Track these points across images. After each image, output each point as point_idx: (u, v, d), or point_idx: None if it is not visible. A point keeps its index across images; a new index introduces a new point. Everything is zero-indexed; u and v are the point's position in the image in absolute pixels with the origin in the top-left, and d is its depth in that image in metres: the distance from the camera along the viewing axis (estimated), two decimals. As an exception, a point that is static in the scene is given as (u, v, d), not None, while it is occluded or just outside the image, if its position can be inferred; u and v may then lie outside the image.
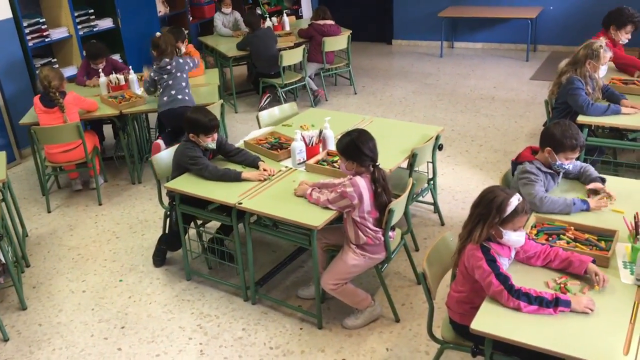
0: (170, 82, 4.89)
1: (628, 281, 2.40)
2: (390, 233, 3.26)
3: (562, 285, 2.38)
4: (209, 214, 3.61)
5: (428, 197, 4.43)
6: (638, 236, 2.49)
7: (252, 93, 7.33)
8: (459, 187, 4.79)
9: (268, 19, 7.44)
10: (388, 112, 6.62)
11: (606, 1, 7.27)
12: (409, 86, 7.50)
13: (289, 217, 3.17)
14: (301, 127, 4.21)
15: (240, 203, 3.29)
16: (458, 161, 5.29)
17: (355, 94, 7.33)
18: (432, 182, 4.26)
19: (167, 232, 4.03)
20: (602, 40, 4.15)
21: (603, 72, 4.05)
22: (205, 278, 3.85)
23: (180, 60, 5.00)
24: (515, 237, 2.40)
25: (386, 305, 3.39)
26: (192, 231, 3.98)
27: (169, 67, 4.88)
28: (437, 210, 4.38)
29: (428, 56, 8.79)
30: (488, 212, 2.39)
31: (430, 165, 4.23)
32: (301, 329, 3.35)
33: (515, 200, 2.37)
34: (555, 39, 8.26)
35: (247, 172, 3.56)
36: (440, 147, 4.19)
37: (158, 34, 5.64)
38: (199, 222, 3.96)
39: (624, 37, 4.80)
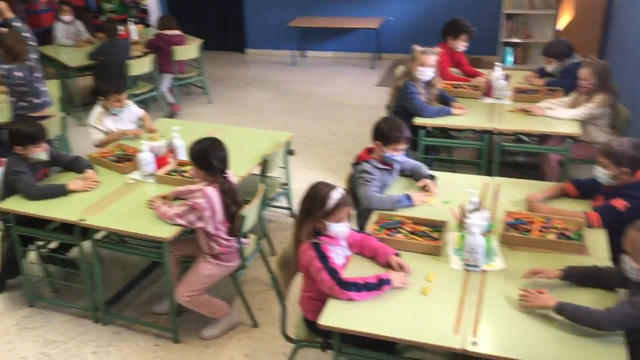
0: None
1: (457, 267, 2.63)
2: (243, 240, 3.28)
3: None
4: (49, 234, 3.38)
5: (283, 202, 4.51)
6: (464, 225, 2.74)
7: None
8: None
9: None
10: (244, 120, 6.65)
11: (441, 12, 7.95)
12: (264, 94, 7.59)
13: (138, 231, 3.07)
14: (149, 138, 4.09)
15: (84, 219, 3.12)
16: (312, 165, 5.45)
17: (211, 103, 7.27)
18: (286, 187, 4.35)
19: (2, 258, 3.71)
20: (436, 49, 4.51)
21: (429, 75, 4.39)
22: (50, 302, 3.60)
23: None
24: (339, 229, 2.53)
25: (244, 311, 3.40)
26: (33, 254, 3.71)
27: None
28: (292, 214, 4.47)
29: (281, 64, 8.96)
30: (312, 207, 2.51)
31: (284, 170, 4.32)
32: (157, 345, 3.25)
33: (336, 194, 2.51)
34: (396, 47, 8.80)
35: (72, 184, 3.39)
36: (291, 152, 4.29)
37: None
38: (40, 242, 3.70)
39: (461, 45, 5.22)
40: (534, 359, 2.10)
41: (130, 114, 4.30)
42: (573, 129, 4.07)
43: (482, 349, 2.16)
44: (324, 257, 2.46)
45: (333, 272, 2.42)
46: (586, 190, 3.14)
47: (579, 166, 4.53)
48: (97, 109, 4.18)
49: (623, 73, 5.20)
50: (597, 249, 2.68)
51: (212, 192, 3.01)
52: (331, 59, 9.22)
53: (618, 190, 2.93)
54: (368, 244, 2.68)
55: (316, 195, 2.53)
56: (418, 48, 4.41)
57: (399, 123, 3.26)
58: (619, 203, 2.85)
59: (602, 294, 2.40)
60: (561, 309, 2.25)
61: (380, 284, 2.41)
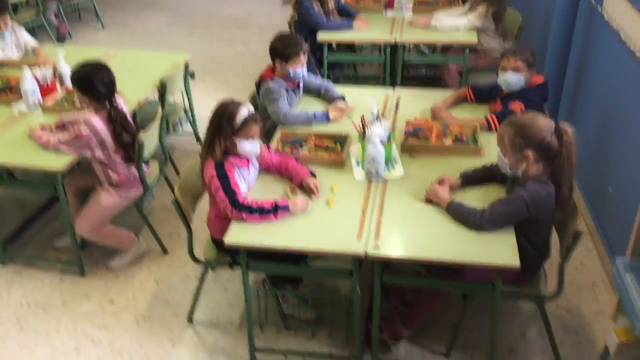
0: None
1: (360, 177, 2.67)
2: (145, 167, 3.17)
3: (293, 192, 2.55)
4: None
5: (188, 128, 4.38)
6: (365, 136, 2.76)
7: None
8: None
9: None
10: (142, 45, 6.29)
11: None
12: (162, 17, 7.18)
13: (28, 164, 2.89)
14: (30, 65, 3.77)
15: (-37, 155, 2.89)
16: (218, 89, 5.28)
17: (104, 28, 6.81)
18: (189, 112, 4.21)
19: None
20: None
21: None
22: (-60, 247, 3.38)
23: None
24: (249, 147, 2.47)
25: (153, 240, 3.33)
26: None
27: None
28: (198, 139, 4.35)
29: (180, -15, 8.46)
30: (220, 124, 2.43)
31: (186, 95, 4.16)
32: (62, 280, 3.15)
33: (244, 110, 2.44)
34: (301, -37, 8.50)
35: None
36: (192, 75, 4.12)
37: None
38: None
39: None
40: (433, 257, 2.20)
41: (16, 39, 3.92)
42: (469, 39, 4.14)
43: (383, 251, 2.23)
44: (224, 177, 2.41)
45: (230, 192, 2.38)
46: (484, 95, 3.24)
47: (476, 74, 4.66)
48: None
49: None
50: (491, 151, 2.79)
51: (97, 121, 2.84)
52: (233, -22, 8.80)
53: (515, 94, 3.04)
54: (285, 166, 2.62)
55: (224, 112, 2.44)
56: None
57: (293, 37, 3.19)
58: (517, 106, 2.96)
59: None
60: (448, 207, 2.36)
61: (275, 209, 2.37)
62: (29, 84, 3.29)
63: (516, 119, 2.35)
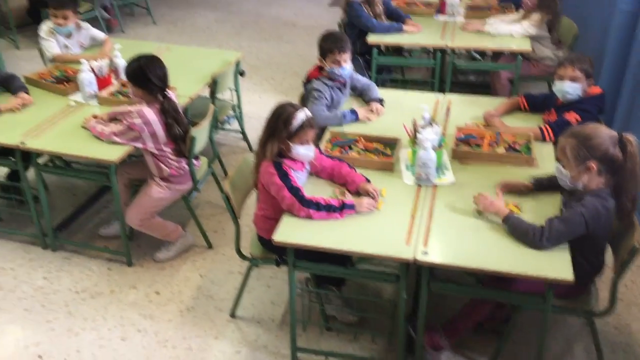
0: None
1: (409, 182, 2.65)
2: (194, 162, 3.21)
3: (342, 194, 2.53)
4: (-14, 159, 3.23)
5: (236, 126, 4.42)
6: (416, 141, 2.74)
7: (35, 26, 6.54)
8: (265, 113, 4.68)
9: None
10: (191, 41, 6.39)
11: None
12: (212, 15, 7.28)
13: (83, 154, 2.97)
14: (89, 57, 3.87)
15: (24, 143, 2.98)
16: (264, 88, 5.33)
17: (155, 24, 6.94)
18: (238, 109, 4.25)
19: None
20: None
21: None
22: (-5, 230, 3.50)
23: None
24: (303, 151, 2.48)
25: (198, 234, 3.38)
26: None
27: None
28: (244, 137, 4.40)
29: (229, -16, 8.56)
30: (276, 127, 2.45)
31: (235, 92, 4.20)
32: (109, 269, 3.22)
33: (301, 115, 2.45)
34: (350, -35, 8.51)
35: (3, 104, 3.23)
36: (242, 73, 4.17)
37: None
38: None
39: None
40: (481, 266, 2.17)
41: (81, 36, 4.01)
42: (522, 46, 4.07)
43: (432, 258, 2.21)
44: (285, 176, 2.43)
45: (294, 190, 2.39)
46: (538, 104, 3.18)
47: (527, 83, 4.58)
48: (47, 23, 3.90)
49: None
50: (544, 161, 2.74)
51: (149, 113, 2.90)
52: (282, -22, 8.86)
53: (571, 104, 2.98)
54: (338, 171, 2.61)
55: (281, 115, 2.45)
56: None
57: (334, 34, 3.19)
58: (572, 117, 2.90)
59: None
60: (505, 220, 2.30)
61: (341, 207, 2.38)
62: (86, 75, 3.38)
63: (578, 129, 2.29)
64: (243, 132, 4.39)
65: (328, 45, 3.11)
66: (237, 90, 4.19)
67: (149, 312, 2.94)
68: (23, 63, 5.80)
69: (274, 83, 5.43)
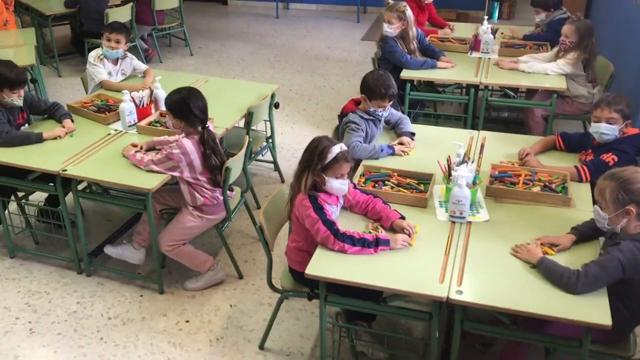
0: None
1: (443, 218, 2.64)
2: (228, 192, 3.26)
3: (375, 229, 2.53)
4: (29, 185, 3.32)
5: (268, 156, 4.48)
6: (450, 177, 2.74)
7: (77, 55, 6.79)
8: (297, 145, 4.89)
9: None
10: (226, 73, 6.53)
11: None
12: (247, 47, 7.44)
13: (121, 182, 3.03)
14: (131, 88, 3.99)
15: (65, 170, 3.06)
16: (296, 120, 5.39)
17: (192, 55, 7.12)
18: (270, 140, 4.31)
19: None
20: (404, 2, 4.49)
21: (395, 32, 4.38)
22: (32, 254, 3.57)
23: None
24: (337, 185, 2.50)
25: (229, 263, 3.40)
26: (13, 205, 3.64)
27: None
28: (277, 168, 4.45)
29: (264, 17, 8.76)
30: (312, 159, 2.47)
31: (268, 124, 4.27)
32: (141, 296, 3.25)
33: (336, 149, 2.47)
34: (381, 0, 8.65)
35: (48, 132, 3.33)
36: (277, 106, 4.23)
37: None
38: (20, 194, 3.63)
39: None
40: (516, 308, 2.13)
41: (124, 65, 4.15)
42: (558, 84, 4.06)
43: (466, 297, 2.19)
44: (320, 209, 2.45)
45: (329, 224, 2.40)
46: (574, 144, 3.16)
47: (561, 121, 4.55)
48: (97, 50, 4.06)
49: (607, 30, 5.18)
50: (581, 202, 2.71)
51: (188, 143, 2.96)
52: (314, 12, 9.04)
53: (608, 144, 2.95)
54: (373, 207, 2.61)
55: (317, 148, 2.48)
56: (390, 2, 4.40)
57: (386, 79, 3.18)
58: (609, 157, 2.87)
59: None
60: (539, 264, 2.27)
61: (376, 243, 2.38)
62: (127, 105, 3.47)
63: (617, 172, 2.26)
64: (275, 163, 4.44)
65: (379, 90, 3.13)
66: (271, 122, 4.25)
67: (178, 341, 2.95)
68: (64, 90, 6.00)
69: (306, 115, 5.50)
